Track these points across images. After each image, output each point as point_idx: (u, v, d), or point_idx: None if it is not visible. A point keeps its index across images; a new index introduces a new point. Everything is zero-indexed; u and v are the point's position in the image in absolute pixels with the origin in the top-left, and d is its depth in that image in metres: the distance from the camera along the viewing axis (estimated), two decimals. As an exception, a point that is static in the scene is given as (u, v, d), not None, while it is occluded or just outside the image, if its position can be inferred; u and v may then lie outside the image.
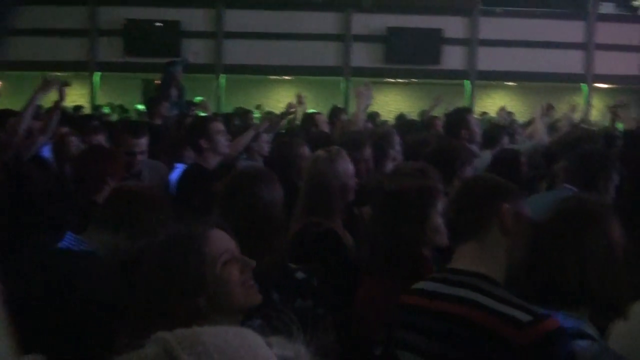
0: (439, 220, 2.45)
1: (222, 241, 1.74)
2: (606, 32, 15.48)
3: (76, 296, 1.80)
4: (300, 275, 2.30)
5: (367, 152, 3.97)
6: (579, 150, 3.91)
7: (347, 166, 3.18)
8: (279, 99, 15.71)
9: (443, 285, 1.86)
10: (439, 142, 3.99)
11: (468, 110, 5.12)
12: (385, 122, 9.37)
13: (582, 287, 1.81)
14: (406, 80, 15.71)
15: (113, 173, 3.35)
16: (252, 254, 2.22)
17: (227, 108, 12.84)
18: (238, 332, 0.80)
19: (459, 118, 5.05)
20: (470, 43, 15.26)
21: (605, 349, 1.78)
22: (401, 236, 2.40)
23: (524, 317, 1.65)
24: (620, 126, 6.46)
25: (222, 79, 14.56)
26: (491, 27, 15.16)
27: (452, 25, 15.06)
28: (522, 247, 1.87)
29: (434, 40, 14.92)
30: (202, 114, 6.79)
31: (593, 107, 8.56)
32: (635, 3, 16.32)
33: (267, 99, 16.02)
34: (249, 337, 0.80)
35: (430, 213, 2.44)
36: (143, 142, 4.24)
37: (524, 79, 15.67)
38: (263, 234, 2.28)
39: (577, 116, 8.65)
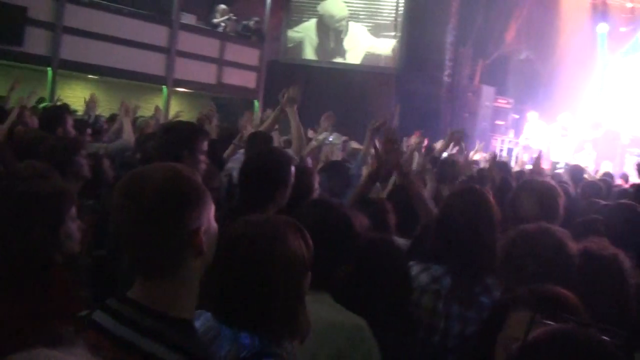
0: (72, 226, 2.44)
1: None
2: (187, 41, 16.71)
3: None
4: None
5: None
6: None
7: None
8: None
9: (113, 321, 1.62)
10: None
11: (67, 110, 5.22)
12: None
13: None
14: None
15: None
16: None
17: None
18: None
19: (57, 115, 5.12)
20: (54, 28, 14.70)
21: None
22: (33, 241, 2.30)
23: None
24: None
25: None
26: (77, 16, 14.82)
27: (38, 6, 14.20)
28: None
29: (18, 19, 13.86)
30: None
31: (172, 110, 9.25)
32: (215, 21, 17.98)
33: None
34: None
35: (65, 218, 2.41)
36: None
37: (107, 74, 15.73)
38: None
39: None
